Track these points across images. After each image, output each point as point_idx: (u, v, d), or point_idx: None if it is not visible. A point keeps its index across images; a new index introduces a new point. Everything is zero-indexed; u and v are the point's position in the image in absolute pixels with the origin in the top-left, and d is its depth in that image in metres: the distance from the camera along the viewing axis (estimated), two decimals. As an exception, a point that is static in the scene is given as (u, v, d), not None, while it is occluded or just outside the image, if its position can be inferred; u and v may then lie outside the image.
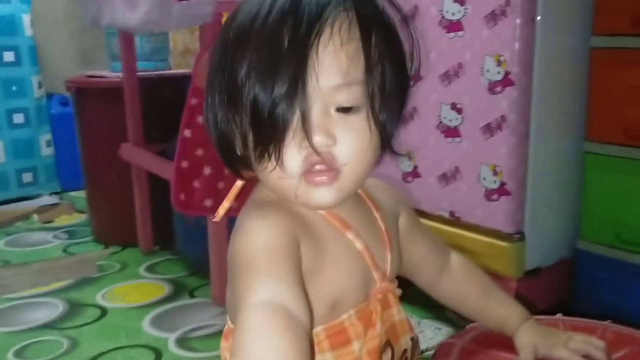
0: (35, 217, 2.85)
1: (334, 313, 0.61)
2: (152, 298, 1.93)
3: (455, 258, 0.80)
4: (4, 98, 3.04)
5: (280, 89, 0.54)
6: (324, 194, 0.58)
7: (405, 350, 0.68)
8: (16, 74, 3.06)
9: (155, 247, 2.34)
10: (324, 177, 0.57)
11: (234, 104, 0.58)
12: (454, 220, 1.58)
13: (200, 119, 1.68)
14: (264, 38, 0.55)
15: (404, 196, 0.77)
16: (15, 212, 2.91)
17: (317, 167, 0.57)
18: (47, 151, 3.20)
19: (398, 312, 0.67)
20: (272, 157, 0.56)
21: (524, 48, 1.39)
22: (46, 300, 1.95)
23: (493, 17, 1.42)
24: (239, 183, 0.66)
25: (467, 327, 0.87)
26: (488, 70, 1.44)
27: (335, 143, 0.57)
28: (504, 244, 1.49)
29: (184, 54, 3.00)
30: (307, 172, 0.57)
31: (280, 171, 0.57)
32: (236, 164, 0.63)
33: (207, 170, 1.71)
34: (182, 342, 1.65)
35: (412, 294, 1.73)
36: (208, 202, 1.72)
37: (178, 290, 1.99)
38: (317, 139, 0.56)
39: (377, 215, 0.68)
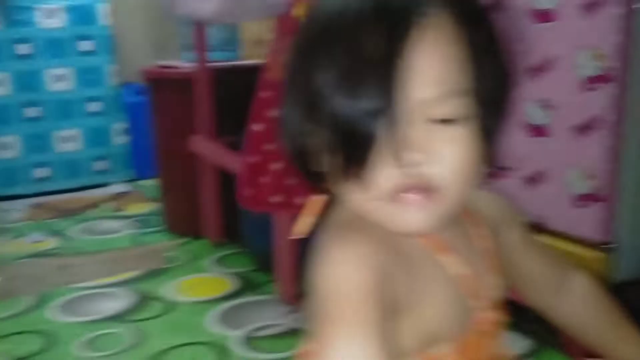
0: (108, 205, 2.90)
1: (429, 345, 0.54)
2: (218, 293, 1.91)
3: (581, 279, 0.70)
4: (81, 86, 3.10)
5: (367, 102, 0.46)
6: (417, 218, 0.50)
7: None
8: (92, 63, 3.12)
9: (224, 240, 2.32)
10: (418, 197, 0.49)
11: (312, 116, 0.50)
12: (540, 226, 1.46)
13: (270, 113, 1.63)
14: (347, 41, 0.47)
15: (512, 206, 0.67)
16: (88, 200, 2.97)
17: (411, 188, 0.49)
18: (120, 139, 3.26)
19: (500, 344, 0.60)
20: (356, 178, 0.49)
21: (625, 40, 1.26)
22: (115, 291, 1.96)
23: (589, 7, 1.29)
24: (316, 199, 0.59)
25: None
26: (582, 65, 1.32)
27: (432, 159, 0.49)
28: (593, 253, 1.38)
29: (255, 44, 2.97)
30: (398, 193, 0.49)
31: (366, 193, 0.50)
32: (315, 179, 0.55)
33: (275, 166, 1.65)
34: (248, 340, 1.61)
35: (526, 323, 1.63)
36: (275, 199, 1.67)
37: (244, 285, 1.96)
38: (411, 157, 0.48)
39: (478, 232, 0.61)
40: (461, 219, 0.59)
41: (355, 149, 0.48)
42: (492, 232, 0.62)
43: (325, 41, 0.49)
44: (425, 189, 0.49)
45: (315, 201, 0.59)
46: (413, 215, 0.50)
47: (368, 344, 0.45)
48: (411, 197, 0.49)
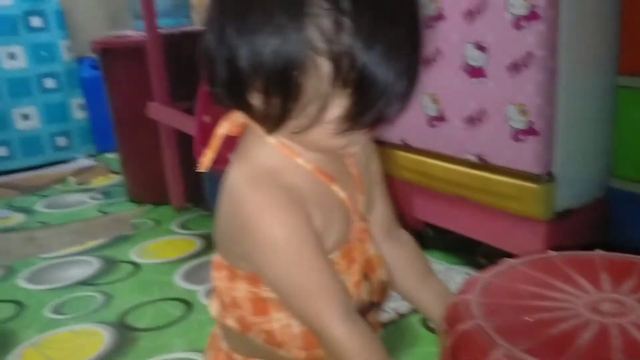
0: (72, 179, 2.91)
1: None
2: (183, 253, 1.96)
3: (406, 235, 0.80)
4: (34, 63, 3.08)
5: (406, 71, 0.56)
6: (358, 148, 0.65)
7: (382, 282, 0.72)
8: (45, 39, 3.09)
9: (187, 204, 2.36)
10: (369, 134, 0.63)
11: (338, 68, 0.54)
12: (481, 164, 1.53)
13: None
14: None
15: (374, 148, 0.77)
16: (52, 176, 2.97)
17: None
18: (80, 114, 3.25)
19: (371, 247, 0.71)
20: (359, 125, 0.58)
21: (549, -22, 1.31)
22: (82, 259, 1.99)
23: (517, -52, 1.34)
24: (221, 131, 0.65)
25: (499, 261, 0.85)
26: (512, 5, 1.37)
27: None
28: (533, 185, 1.45)
29: (206, 9, 2.98)
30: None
31: (344, 134, 0.58)
32: (243, 113, 0.61)
33: (229, 123, 1.70)
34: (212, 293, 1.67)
35: (442, 240, 1.72)
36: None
37: (209, 244, 2.01)
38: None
39: (350, 161, 0.70)
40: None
41: (383, 104, 0.56)
42: (362, 162, 0.72)
43: None
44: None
45: (219, 137, 0.65)
46: (357, 147, 0.64)
47: (332, 284, 0.62)
48: (362, 136, 0.61)
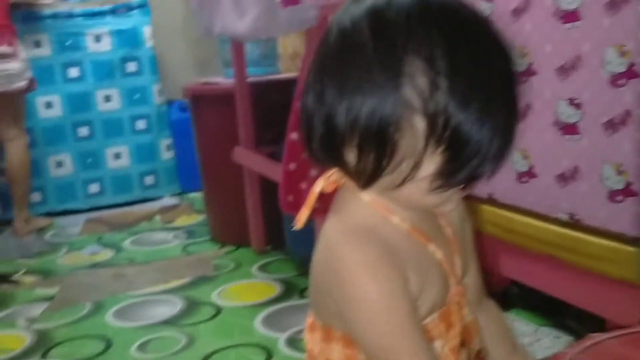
0: (158, 217, 3.02)
1: (424, 319, 0.65)
2: (264, 297, 1.98)
3: (494, 305, 0.80)
4: (128, 105, 3.25)
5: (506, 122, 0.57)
6: (453, 205, 0.63)
7: (479, 351, 0.71)
8: (138, 83, 3.26)
9: (267, 247, 2.39)
10: (465, 192, 0.61)
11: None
12: (574, 223, 1.48)
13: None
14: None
15: (467, 209, 0.77)
16: (139, 213, 3.09)
17: None
18: (167, 155, 3.39)
19: (469, 313, 0.70)
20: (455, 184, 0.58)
21: (650, 36, 1.28)
22: (166, 298, 2.05)
23: (614, 4, 1.32)
24: (317, 189, 0.66)
25: (587, 336, 0.81)
26: (610, 62, 1.34)
27: None
28: (629, 248, 1.38)
29: (293, 58, 3.05)
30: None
31: (439, 191, 0.58)
32: (337, 168, 0.62)
33: (314, 172, 1.72)
34: (292, 342, 1.67)
35: (529, 299, 1.66)
36: (315, 204, 1.73)
37: (289, 290, 2.03)
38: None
39: (444, 222, 0.70)
40: (432, 211, 0.68)
41: (475, 162, 0.56)
42: (457, 222, 0.72)
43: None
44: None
45: (315, 193, 0.66)
46: (453, 204, 0.63)
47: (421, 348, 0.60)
48: (458, 194, 0.61)
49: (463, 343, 0.69)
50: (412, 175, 0.57)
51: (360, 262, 0.60)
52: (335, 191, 0.67)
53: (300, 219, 0.67)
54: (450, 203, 0.62)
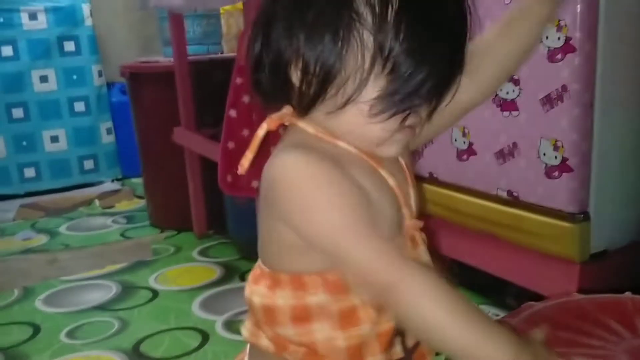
0: (97, 202, 2.92)
1: None
2: (203, 281, 1.93)
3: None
4: (65, 87, 3.12)
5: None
6: (397, 148, 0.60)
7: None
8: (77, 63, 3.14)
9: (209, 231, 2.34)
10: (409, 135, 0.59)
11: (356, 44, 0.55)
12: (512, 200, 1.48)
13: (245, 99, 1.65)
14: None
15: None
16: (77, 198, 2.99)
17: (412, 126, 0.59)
18: (107, 138, 3.28)
19: (425, 252, 0.66)
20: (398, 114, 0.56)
21: (587, 10, 1.28)
22: (101, 283, 1.97)
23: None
24: (261, 132, 0.63)
25: (522, 306, 0.81)
26: (547, 37, 1.34)
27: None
28: (566, 224, 1.39)
29: (237, 37, 2.99)
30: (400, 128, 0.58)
31: (383, 123, 0.56)
32: (281, 96, 0.60)
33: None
34: (230, 324, 1.63)
35: (469, 278, 1.66)
36: (255, 183, 1.69)
37: (229, 273, 1.98)
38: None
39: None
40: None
41: (423, 94, 0.55)
42: (405, 151, 0.68)
43: None
44: (412, 133, 0.60)
45: (259, 136, 0.63)
46: (396, 147, 0.60)
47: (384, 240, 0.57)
48: (405, 135, 0.59)
49: None
50: (355, 96, 0.56)
51: (304, 168, 0.57)
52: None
53: (244, 164, 0.64)
54: (394, 145, 0.60)
